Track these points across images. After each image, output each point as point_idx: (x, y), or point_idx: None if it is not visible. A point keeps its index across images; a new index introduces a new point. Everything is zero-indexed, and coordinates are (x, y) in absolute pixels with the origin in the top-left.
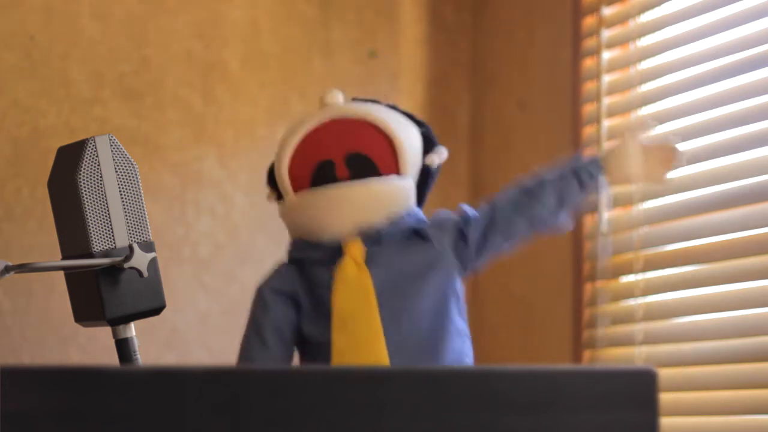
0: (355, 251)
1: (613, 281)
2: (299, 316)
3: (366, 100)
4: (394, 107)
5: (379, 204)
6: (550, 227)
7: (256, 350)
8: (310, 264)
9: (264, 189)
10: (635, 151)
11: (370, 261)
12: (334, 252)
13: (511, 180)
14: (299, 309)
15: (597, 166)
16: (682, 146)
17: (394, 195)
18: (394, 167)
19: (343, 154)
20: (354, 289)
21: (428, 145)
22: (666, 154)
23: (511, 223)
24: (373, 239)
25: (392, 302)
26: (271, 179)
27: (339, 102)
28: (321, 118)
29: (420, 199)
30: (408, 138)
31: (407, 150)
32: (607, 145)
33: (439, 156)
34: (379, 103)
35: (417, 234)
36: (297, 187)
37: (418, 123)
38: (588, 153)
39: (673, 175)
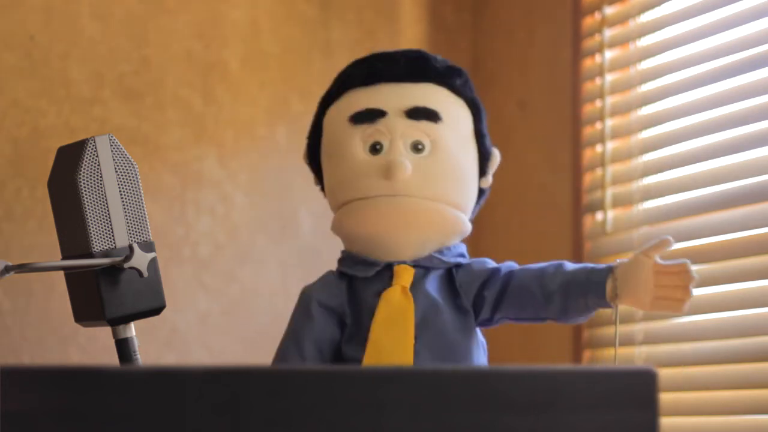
0: (405, 278)
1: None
2: (342, 335)
3: (441, 75)
4: (469, 104)
5: (439, 229)
6: (560, 322)
7: (292, 359)
8: (357, 282)
9: (264, 189)
10: (648, 275)
11: (414, 289)
12: (383, 274)
13: (510, 183)
14: (343, 328)
15: (603, 292)
16: (696, 270)
17: (454, 224)
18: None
19: None
20: (394, 321)
21: (483, 164)
22: (681, 280)
23: (521, 309)
24: (422, 267)
25: (425, 336)
26: (312, 148)
27: (406, 180)
28: (383, 194)
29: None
30: (470, 198)
31: (472, 196)
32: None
33: (493, 169)
34: (453, 102)
35: (450, 274)
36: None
37: (480, 134)
38: (602, 268)
39: (688, 304)
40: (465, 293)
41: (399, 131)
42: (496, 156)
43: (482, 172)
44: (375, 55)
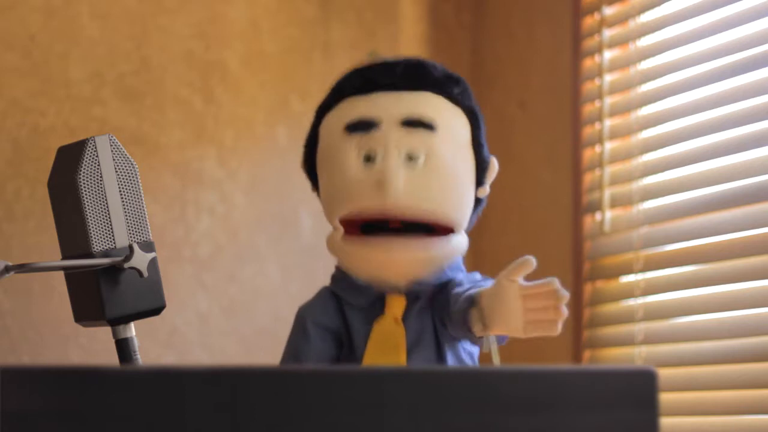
0: (397, 309)
1: (613, 281)
2: (340, 354)
3: (440, 84)
4: (467, 113)
5: (433, 265)
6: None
7: None
8: (348, 306)
9: (264, 189)
10: (514, 299)
11: (407, 316)
12: (375, 302)
13: (510, 183)
14: (341, 348)
15: (467, 317)
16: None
17: (449, 256)
18: (451, 228)
19: (400, 221)
20: (387, 351)
21: (480, 174)
22: (549, 301)
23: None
24: (415, 294)
25: (417, 360)
26: (309, 157)
27: (399, 191)
28: (377, 205)
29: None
30: (466, 208)
31: (467, 207)
32: (608, 142)
33: (491, 179)
34: (450, 112)
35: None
36: (347, 230)
37: (478, 143)
38: (466, 297)
39: (560, 323)
40: (440, 316)
41: (393, 141)
42: (494, 165)
43: (479, 181)
44: (375, 62)
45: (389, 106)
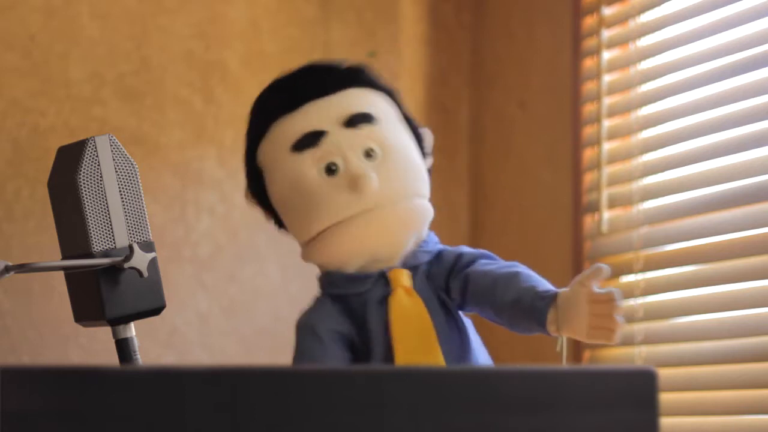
0: (404, 279)
1: (613, 281)
2: (354, 358)
3: (352, 78)
4: (385, 92)
5: (416, 227)
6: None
7: None
8: (354, 299)
9: None
10: (583, 303)
11: (415, 288)
12: (379, 283)
13: (510, 183)
14: (355, 352)
15: (545, 320)
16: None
17: (425, 216)
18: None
19: None
20: (413, 323)
21: (420, 146)
22: (609, 309)
23: (479, 312)
24: (412, 266)
25: (439, 331)
26: (255, 190)
27: (374, 189)
28: (356, 211)
29: None
30: (423, 165)
31: (426, 177)
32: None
33: (430, 147)
34: (374, 96)
35: (434, 262)
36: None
37: (406, 118)
38: (546, 295)
39: (619, 333)
40: (437, 285)
41: (347, 145)
42: (428, 134)
43: (422, 152)
44: (285, 79)
45: (326, 113)
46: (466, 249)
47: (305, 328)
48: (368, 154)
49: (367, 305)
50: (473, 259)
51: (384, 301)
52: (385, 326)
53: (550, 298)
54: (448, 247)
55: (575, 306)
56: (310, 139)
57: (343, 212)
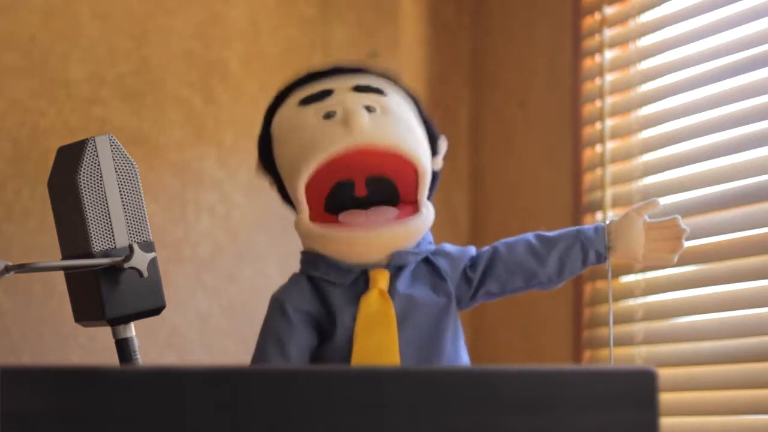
0: (382, 281)
1: (613, 281)
2: (319, 339)
3: (380, 75)
4: (409, 96)
5: (402, 243)
6: (544, 289)
7: (276, 362)
8: (327, 285)
9: (264, 189)
10: (640, 230)
11: (392, 289)
12: (357, 277)
13: (510, 183)
14: (321, 333)
15: (603, 244)
16: (687, 225)
17: (417, 233)
18: (414, 193)
19: (365, 175)
20: (377, 324)
21: (433, 146)
22: (672, 233)
23: (510, 277)
24: (396, 266)
25: (405, 334)
26: (264, 157)
27: (365, 126)
28: (346, 144)
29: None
30: (427, 158)
31: (428, 174)
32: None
33: (443, 151)
34: (395, 89)
35: (429, 263)
36: (313, 207)
37: (425, 120)
38: (593, 223)
39: (677, 256)
40: (450, 279)
41: (350, 99)
42: (444, 140)
43: (433, 151)
44: (307, 72)
45: (338, 80)
46: (450, 246)
47: (276, 304)
48: (368, 109)
49: (341, 298)
50: (494, 245)
51: (358, 298)
52: (353, 322)
53: (602, 230)
54: (447, 245)
55: (630, 231)
56: (318, 96)
57: (334, 145)
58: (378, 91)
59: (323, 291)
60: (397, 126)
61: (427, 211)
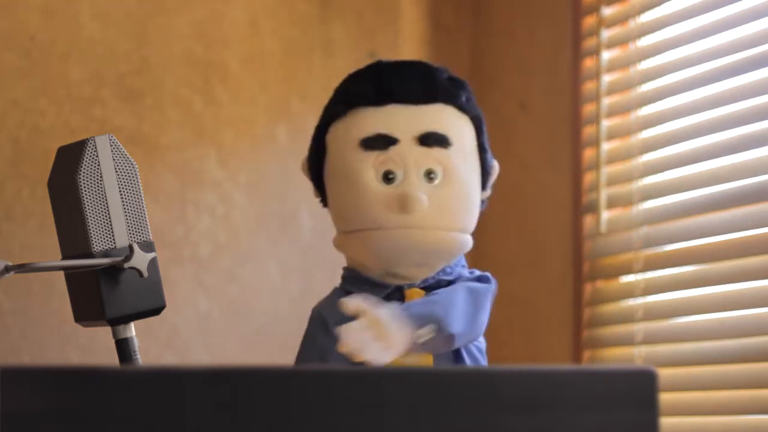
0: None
1: (613, 281)
2: None
3: (446, 98)
4: (472, 116)
5: (450, 255)
6: None
7: None
8: None
9: (264, 189)
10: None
11: None
12: (393, 297)
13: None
14: None
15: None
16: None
17: (462, 249)
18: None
19: None
20: None
21: (485, 178)
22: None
23: None
24: (430, 288)
25: (439, 357)
26: (313, 159)
27: (422, 209)
28: (400, 225)
29: None
30: (478, 201)
31: (476, 214)
32: (605, 145)
33: (493, 178)
34: (460, 123)
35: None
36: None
37: (481, 145)
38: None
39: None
40: None
41: (412, 160)
42: (496, 169)
43: (483, 185)
44: (381, 68)
45: (404, 121)
46: (467, 273)
47: (318, 318)
48: (429, 174)
49: None
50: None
51: None
52: None
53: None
54: (465, 272)
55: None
56: (380, 142)
57: (385, 225)
58: (443, 142)
59: None
60: (455, 200)
61: (469, 242)
